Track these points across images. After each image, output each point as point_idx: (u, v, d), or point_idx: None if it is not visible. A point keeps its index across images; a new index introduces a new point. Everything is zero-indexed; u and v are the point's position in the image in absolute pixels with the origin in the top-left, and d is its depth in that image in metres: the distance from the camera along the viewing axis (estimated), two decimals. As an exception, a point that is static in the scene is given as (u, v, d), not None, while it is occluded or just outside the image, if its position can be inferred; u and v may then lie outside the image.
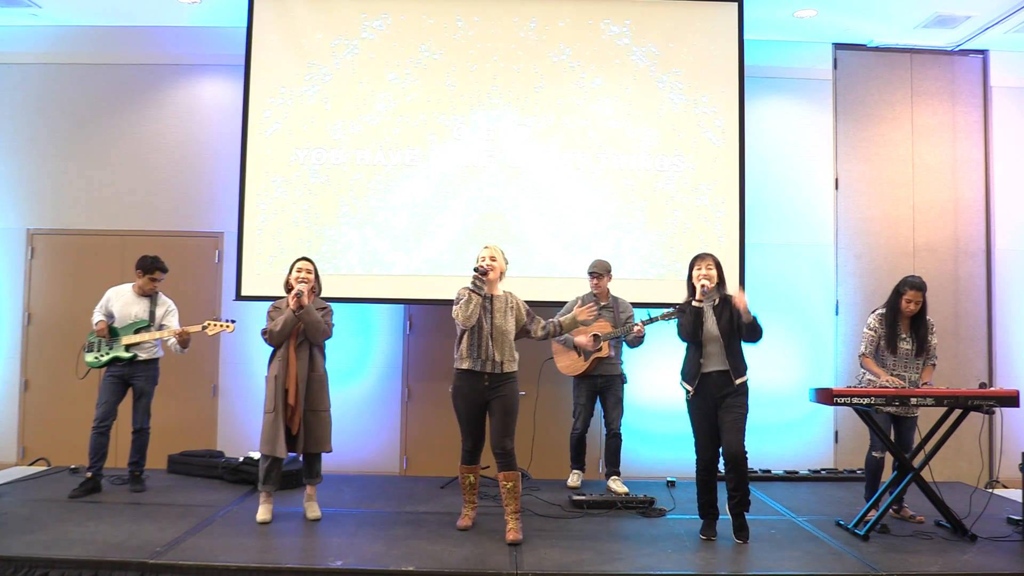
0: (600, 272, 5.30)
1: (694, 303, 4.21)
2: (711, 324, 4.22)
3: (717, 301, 4.24)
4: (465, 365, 4.21)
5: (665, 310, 5.15)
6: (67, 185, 6.41)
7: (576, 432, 5.42)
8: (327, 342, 4.68)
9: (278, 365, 4.46)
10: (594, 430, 5.53)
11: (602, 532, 4.38)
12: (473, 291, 4.14)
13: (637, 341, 5.19)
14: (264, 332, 4.53)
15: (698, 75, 6.01)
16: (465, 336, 4.22)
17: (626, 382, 5.38)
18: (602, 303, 5.31)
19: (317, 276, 4.64)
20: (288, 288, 4.58)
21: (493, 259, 4.23)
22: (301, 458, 4.64)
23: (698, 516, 4.32)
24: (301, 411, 4.45)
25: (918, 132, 6.59)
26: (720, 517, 4.31)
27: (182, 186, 6.41)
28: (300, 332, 4.48)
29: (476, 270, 4.16)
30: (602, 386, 5.31)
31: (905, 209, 6.54)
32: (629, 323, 5.25)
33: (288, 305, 4.50)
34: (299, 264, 4.59)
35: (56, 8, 6.18)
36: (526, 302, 4.43)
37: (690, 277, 4.33)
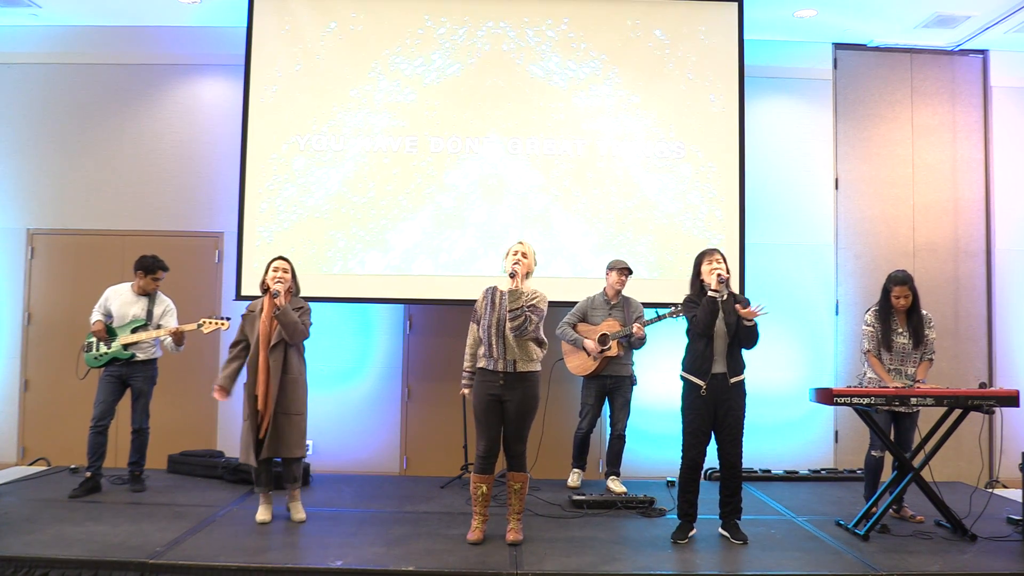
0: (629, 269, 5.31)
1: (710, 293, 4.13)
2: (719, 320, 4.16)
3: (725, 296, 4.16)
4: (481, 363, 4.16)
5: (665, 310, 5.21)
6: (67, 185, 6.41)
7: (581, 432, 5.42)
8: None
9: (248, 372, 4.44)
10: (597, 430, 5.53)
11: (602, 532, 4.37)
12: (464, 374, 4.21)
13: (639, 342, 5.23)
14: (230, 350, 4.53)
15: (698, 75, 6.02)
16: (481, 333, 4.18)
17: (636, 384, 5.39)
18: (612, 303, 5.33)
19: (294, 275, 4.57)
20: (264, 289, 4.52)
21: (524, 255, 4.14)
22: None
23: (686, 516, 4.26)
24: (270, 416, 4.37)
25: (918, 132, 6.59)
26: (698, 518, 4.28)
27: (182, 186, 6.41)
28: (277, 333, 4.42)
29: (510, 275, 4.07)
30: (611, 387, 5.31)
31: (905, 209, 6.54)
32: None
33: (263, 306, 4.45)
34: (275, 263, 4.53)
35: (56, 8, 6.18)
36: None
37: (696, 273, 4.28)
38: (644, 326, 5.20)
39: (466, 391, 4.25)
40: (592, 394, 5.35)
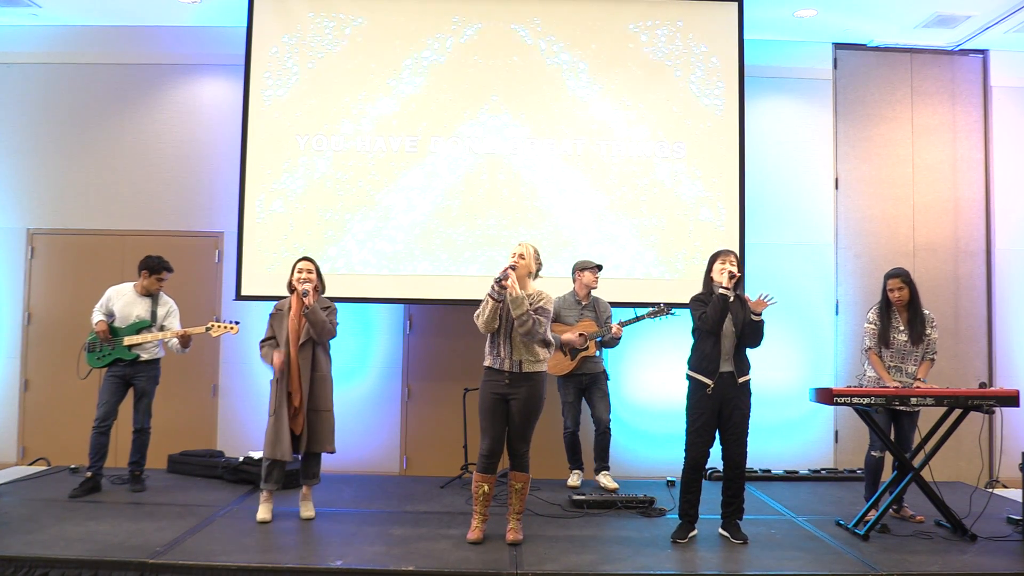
0: (600, 266, 5.36)
1: (721, 291, 4.13)
2: (728, 320, 4.17)
3: (733, 298, 4.17)
4: (487, 362, 4.18)
5: (648, 309, 5.25)
6: (67, 185, 6.41)
7: (569, 431, 5.46)
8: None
9: (281, 368, 4.48)
10: (588, 429, 5.53)
11: (602, 532, 4.38)
12: (490, 295, 4.06)
13: (614, 341, 5.31)
14: (261, 346, 4.56)
15: (698, 75, 6.02)
16: (489, 333, 4.19)
17: (609, 379, 5.45)
18: (583, 303, 5.37)
19: (320, 275, 4.67)
20: (291, 289, 4.60)
21: (522, 256, 4.14)
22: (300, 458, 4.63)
23: (687, 516, 4.26)
24: (304, 412, 4.46)
25: (918, 132, 6.59)
26: (699, 517, 4.28)
27: (182, 186, 6.41)
28: (305, 332, 4.49)
29: (497, 280, 4.02)
30: (587, 383, 5.38)
31: (905, 209, 6.54)
32: (609, 323, 5.31)
33: (290, 305, 4.52)
34: (300, 264, 4.62)
35: (56, 8, 6.18)
36: None
37: (709, 271, 4.28)
38: (623, 326, 5.24)
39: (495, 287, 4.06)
40: (571, 392, 5.40)
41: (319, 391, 4.53)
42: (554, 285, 5.64)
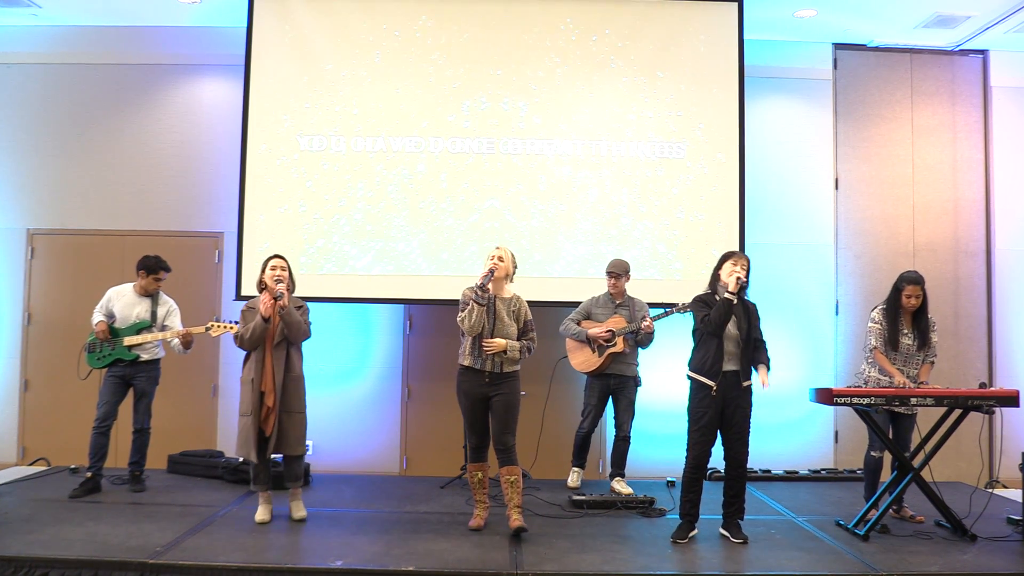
0: (619, 272, 5.28)
1: (726, 295, 4.11)
2: (731, 323, 4.17)
3: (736, 301, 4.17)
4: (466, 362, 4.28)
5: (677, 304, 5.17)
6: (67, 185, 6.41)
7: (582, 431, 5.40)
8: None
9: (254, 367, 4.38)
10: (598, 431, 5.52)
11: (602, 532, 4.37)
12: (475, 301, 4.17)
13: (647, 339, 5.22)
14: (236, 337, 4.44)
15: (698, 75, 6.01)
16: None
17: (640, 385, 5.35)
18: (617, 302, 5.32)
19: (291, 274, 4.54)
20: (261, 287, 4.48)
21: (501, 259, 4.27)
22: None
23: (688, 516, 4.25)
24: (277, 413, 4.35)
25: (918, 132, 6.59)
26: (699, 518, 4.28)
27: (182, 186, 6.41)
28: (279, 332, 4.41)
29: (479, 286, 4.16)
30: (615, 387, 5.28)
31: (905, 209, 6.54)
32: (645, 319, 5.23)
33: (263, 305, 4.36)
34: (273, 262, 4.49)
35: (56, 8, 6.18)
36: (527, 302, 4.44)
37: (717, 271, 4.26)
38: (653, 321, 5.17)
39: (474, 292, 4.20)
40: (595, 394, 5.32)
41: (292, 392, 4.43)
42: (556, 286, 5.69)
